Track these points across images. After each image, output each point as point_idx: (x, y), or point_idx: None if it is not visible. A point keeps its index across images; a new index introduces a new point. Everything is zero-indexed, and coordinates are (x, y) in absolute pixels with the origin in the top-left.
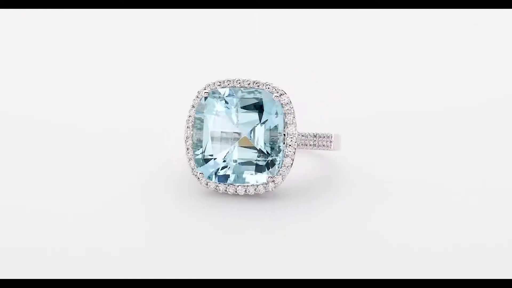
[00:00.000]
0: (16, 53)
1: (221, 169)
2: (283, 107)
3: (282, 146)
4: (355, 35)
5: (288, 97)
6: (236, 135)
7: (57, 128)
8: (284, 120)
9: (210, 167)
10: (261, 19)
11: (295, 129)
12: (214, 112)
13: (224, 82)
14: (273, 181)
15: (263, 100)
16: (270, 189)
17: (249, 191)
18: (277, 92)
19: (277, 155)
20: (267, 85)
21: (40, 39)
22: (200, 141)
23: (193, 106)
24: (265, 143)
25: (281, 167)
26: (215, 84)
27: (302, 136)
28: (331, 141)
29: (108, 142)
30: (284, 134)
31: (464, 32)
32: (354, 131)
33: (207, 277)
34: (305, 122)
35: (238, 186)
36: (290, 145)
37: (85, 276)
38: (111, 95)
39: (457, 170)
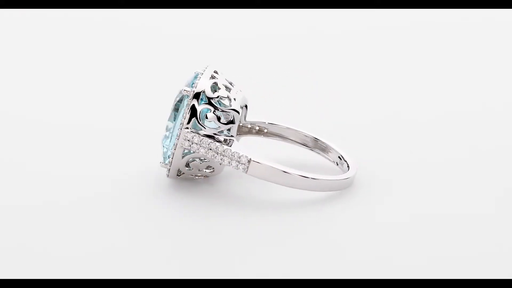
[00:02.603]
0: None
1: None
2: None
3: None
4: (352, 35)
5: (190, 94)
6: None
7: (51, 127)
8: (181, 115)
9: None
10: (261, 19)
11: (181, 126)
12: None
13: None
14: (166, 168)
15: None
16: (167, 175)
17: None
18: (187, 87)
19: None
20: (197, 78)
21: (28, 39)
22: None
23: None
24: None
25: (167, 158)
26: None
27: (205, 144)
28: (241, 163)
29: (102, 141)
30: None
31: (462, 35)
32: (349, 132)
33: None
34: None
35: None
36: (176, 141)
37: (60, 276)
38: (106, 95)
39: (450, 172)
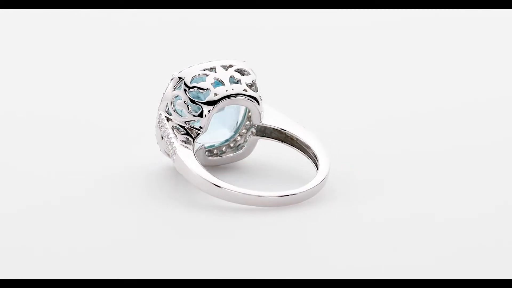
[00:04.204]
0: None
1: None
2: None
3: None
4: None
5: (171, 80)
6: None
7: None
8: None
9: None
10: (259, 19)
11: (158, 110)
12: None
13: None
14: None
15: None
16: None
17: None
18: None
19: None
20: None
21: (16, 36)
22: None
23: None
24: None
25: None
26: None
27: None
28: (173, 153)
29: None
30: None
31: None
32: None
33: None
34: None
35: None
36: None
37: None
38: (104, 92)
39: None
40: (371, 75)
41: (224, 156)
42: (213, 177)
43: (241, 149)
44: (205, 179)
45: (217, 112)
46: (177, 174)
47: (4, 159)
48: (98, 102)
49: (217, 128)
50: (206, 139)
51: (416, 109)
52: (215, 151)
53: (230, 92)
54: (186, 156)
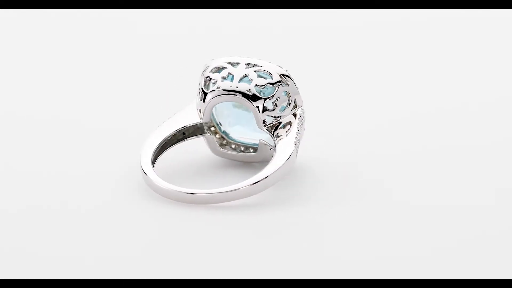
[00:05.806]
0: None
1: None
2: None
3: None
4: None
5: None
6: None
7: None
8: None
9: None
10: (256, 18)
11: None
12: None
13: None
14: None
15: None
16: None
17: None
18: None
19: None
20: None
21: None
22: None
23: None
24: None
25: None
26: None
27: None
28: None
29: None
30: None
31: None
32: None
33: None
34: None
35: None
36: None
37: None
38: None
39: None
40: (371, 75)
41: (241, 154)
42: (153, 173)
43: (253, 151)
44: (145, 172)
45: (216, 105)
46: (176, 174)
47: (4, 159)
48: (98, 103)
49: (250, 130)
50: (241, 135)
51: (416, 109)
52: (242, 148)
53: (233, 88)
54: (149, 141)
